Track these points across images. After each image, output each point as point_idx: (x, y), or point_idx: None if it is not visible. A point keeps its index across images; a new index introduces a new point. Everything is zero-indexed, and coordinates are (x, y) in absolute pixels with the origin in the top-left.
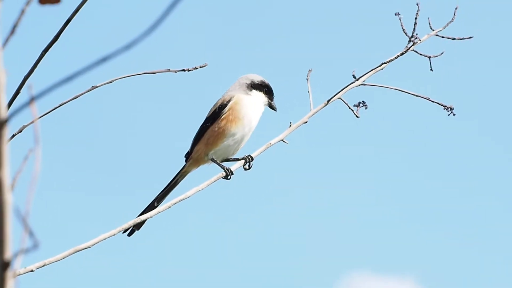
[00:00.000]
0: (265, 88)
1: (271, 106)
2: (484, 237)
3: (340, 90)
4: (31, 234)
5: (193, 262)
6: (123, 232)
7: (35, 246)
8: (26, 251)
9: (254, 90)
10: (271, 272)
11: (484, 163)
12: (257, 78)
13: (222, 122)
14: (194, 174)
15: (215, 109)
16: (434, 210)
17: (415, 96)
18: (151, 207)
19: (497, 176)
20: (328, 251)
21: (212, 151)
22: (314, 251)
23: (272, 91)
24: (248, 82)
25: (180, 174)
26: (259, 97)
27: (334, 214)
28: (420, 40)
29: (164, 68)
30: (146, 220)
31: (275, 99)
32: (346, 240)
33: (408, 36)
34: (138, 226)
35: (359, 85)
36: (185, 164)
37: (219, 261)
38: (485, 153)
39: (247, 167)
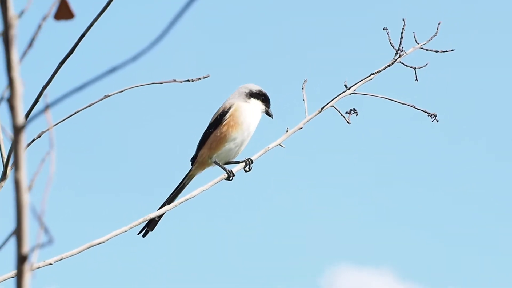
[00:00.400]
0: (262, 97)
1: (267, 113)
2: (455, 234)
3: (332, 98)
4: (46, 230)
5: (196, 253)
6: (138, 233)
7: (50, 241)
8: (41, 246)
9: (252, 99)
10: (263, 268)
11: (462, 167)
12: (255, 88)
13: (223, 128)
14: (198, 175)
15: (217, 116)
16: (410, 210)
17: (401, 104)
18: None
19: (474, 178)
20: (316, 245)
21: (215, 155)
22: (305, 245)
23: (269, 99)
24: (247, 91)
25: (187, 177)
26: (257, 105)
27: (323, 213)
28: (406, 52)
29: (171, 79)
30: (159, 221)
31: (271, 106)
32: (333, 236)
33: (395, 49)
34: (151, 227)
35: (350, 94)
36: (192, 168)
37: (219, 252)
38: (463, 157)
39: (247, 169)
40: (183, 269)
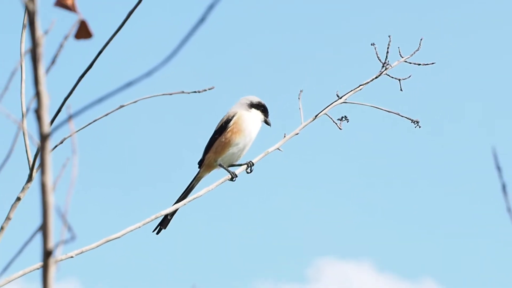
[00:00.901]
0: (261, 108)
1: (266, 122)
2: (430, 229)
3: (326, 107)
4: (69, 228)
5: (202, 245)
6: (153, 231)
7: (73, 238)
8: (65, 242)
9: (253, 109)
10: (257, 259)
11: (441, 169)
12: (255, 99)
13: (228, 134)
14: (205, 177)
15: (222, 123)
16: (389, 208)
17: (387, 112)
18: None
19: (451, 178)
20: (306, 240)
21: (220, 158)
22: (296, 239)
23: (267, 110)
24: (248, 102)
25: (195, 179)
26: (257, 115)
27: (315, 210)
28: (391, 65)
29: (179, 90)
30: (171, 219)
31: (270, 116)
32: (321, 232)
33: (382, 62)
34: (165, 225)
35: (342, 102)
36: (199, 170)
37: (222, 244)
38: (442, 159)
39: (249, 171)
40: (190, 261)
